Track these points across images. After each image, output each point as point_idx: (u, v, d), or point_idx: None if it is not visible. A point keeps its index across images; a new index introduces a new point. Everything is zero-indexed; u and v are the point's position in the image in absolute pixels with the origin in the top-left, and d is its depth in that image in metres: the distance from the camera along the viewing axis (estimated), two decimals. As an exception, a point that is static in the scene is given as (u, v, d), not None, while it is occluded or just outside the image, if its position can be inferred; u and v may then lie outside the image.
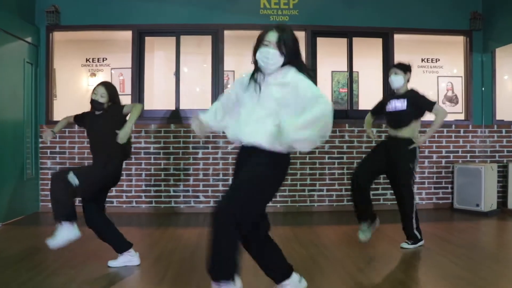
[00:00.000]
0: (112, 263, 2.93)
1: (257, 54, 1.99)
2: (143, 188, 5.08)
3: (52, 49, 5.17)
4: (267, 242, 2.16)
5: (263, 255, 2.15)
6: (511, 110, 5.56)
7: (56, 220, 2.70)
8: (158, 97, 5.43)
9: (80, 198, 2.91)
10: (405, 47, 5.38)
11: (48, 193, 5.08)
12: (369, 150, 3.75)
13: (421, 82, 5.13)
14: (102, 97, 2.96)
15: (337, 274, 2.78)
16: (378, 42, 5.40)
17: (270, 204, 2.17)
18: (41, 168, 5.08)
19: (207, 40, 5.28)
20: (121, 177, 5.18)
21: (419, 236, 3.44)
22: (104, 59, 5.43)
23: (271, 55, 1.95)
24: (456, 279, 2.65)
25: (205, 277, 2.71)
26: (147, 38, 5.27)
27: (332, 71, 6.00)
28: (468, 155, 5.34)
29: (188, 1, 5.15)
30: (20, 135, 4.72)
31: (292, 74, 1.98)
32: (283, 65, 2.01)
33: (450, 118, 5.42)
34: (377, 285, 2.60)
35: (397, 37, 5.32)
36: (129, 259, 2.96)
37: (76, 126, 3.54)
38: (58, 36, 5.23)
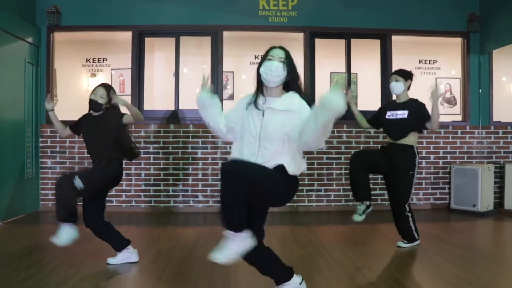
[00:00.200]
0: (111, 260, 2.96)
1: (261, 69, 2.05)
2: (143, 187, 5.12)
3: (53, 49, 5.21)
4: (262, 249, 2.16)
5: (259, 261, 2.17)
6: (509, 112, 5.60)
7: (58, 221, 2.77)
8: (158, 97, 5.46)
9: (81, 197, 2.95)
10: (403, 48, 5.42)
11: (48, 192, 5.16)
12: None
13: (420, 83, 5.15)
14: (102, 98, 2.99)
15: (334, 273, 2.80)
16: (376, 44, 5.45)
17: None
18: (41, 167, 5.11)
19: (206, 41, 5.32)
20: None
21: (416, 237, 3.47)
22: (104, 59, 5.46)
23: (274, 67, 2.01)
24: (453, 279, 2.67)
25: (203, 275, 2.76)
26: (147, 39, 5.32)
27: (331, 72, 6.03)
28: (465, 156, 5.38)
29: (188, 2, 5.20)
30: (21, 135, 4.75)
31: (297, 102, 2.02)
32: (286, 85, 2.07)
33: (447, 119, 5.48)
34: (374, 284, 2.62)
35: (395, 38, 5.37)
36: (128, 256, 2.99)
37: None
38: (58, 37, 5.28)
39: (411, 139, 3.41)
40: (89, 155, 3.04)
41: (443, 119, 5.36)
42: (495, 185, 5.14)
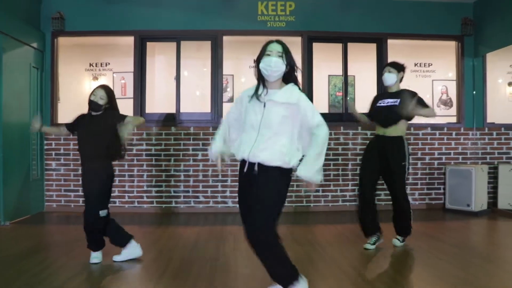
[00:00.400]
0: (116, 258, 3.08)
1: (261, 64, 2.16)
2: (145, 188, 5.23)
3: (57, 54, 5.33)
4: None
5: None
6: (503, 113, 5.69)
7: (89, 248, 3.07)
8: (159, 100, 5.56)
9: (83, 198, 3.08)
10: (399, 52, 5.50)
11: (53, 193, 5.27)
12: (363, 152, 3.73)
13: (416, 86, 5.23)
14: (102, 99, 3.07)
15: (332, 272, 2.85)
16: (372, 47, 5.55)
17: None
18: (46, 169, 5.23)
19: (206, 45, 5.43)
20: (124, 178, 5.31)
21: (410, 233, 3.56)
22: (107, 63, 5.56)
23: (273, 63, 2.12)
24: (449, 277, 2.73)
25: (203, 273, 2.86)
26: (148, 44, 5.43)
27: (329, 75, 6.13)
28: (460, 157, 5.48)
29: (188, 8, 5.30)
30: (26, 137, 4.85)
31: (297, 95, 2.15)
32: (285, 77, 2.19)
33: (442, 120, 5.58)
34: (371, 283, 2.67)
35: (390, 42, 5.47)
36: (132, 250, 3.12)
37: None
38: (62, 42, 5.40)
39: (401, 127, 3.45)
40: (80, 150, 3.08)
41: (438, 120, 5.48)
42: (489, 185, 5.24)
